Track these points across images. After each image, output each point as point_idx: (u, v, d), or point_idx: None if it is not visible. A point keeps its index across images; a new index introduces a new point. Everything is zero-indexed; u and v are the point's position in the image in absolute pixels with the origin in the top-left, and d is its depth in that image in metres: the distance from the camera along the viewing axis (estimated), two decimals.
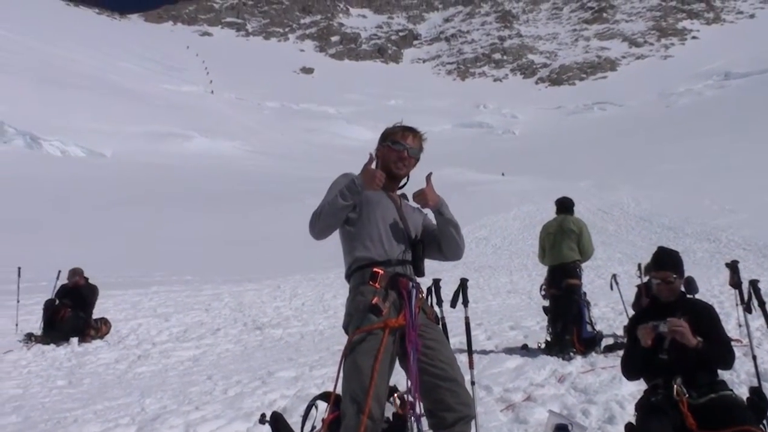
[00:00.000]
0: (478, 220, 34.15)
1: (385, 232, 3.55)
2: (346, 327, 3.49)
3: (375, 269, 3.45)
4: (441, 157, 78.44)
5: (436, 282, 4.39)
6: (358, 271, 3.51)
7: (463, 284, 4.52)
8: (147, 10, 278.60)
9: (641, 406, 3.94)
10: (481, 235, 31.28)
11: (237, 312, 13.22)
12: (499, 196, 43.69)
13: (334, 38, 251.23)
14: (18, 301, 11.30)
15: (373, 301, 3.34)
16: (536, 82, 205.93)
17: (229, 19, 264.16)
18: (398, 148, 3.64)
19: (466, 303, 4.52)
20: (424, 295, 3.73)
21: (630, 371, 4.17)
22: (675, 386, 3.80)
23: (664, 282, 4.06)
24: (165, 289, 16.47)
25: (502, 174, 62.53)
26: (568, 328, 8.01)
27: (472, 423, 3.42)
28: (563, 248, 8.40)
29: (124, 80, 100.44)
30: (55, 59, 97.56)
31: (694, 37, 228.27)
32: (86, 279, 10.89)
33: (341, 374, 3.34)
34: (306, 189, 43.65)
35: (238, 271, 20.67)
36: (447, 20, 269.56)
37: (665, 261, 4.13)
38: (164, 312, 13.06)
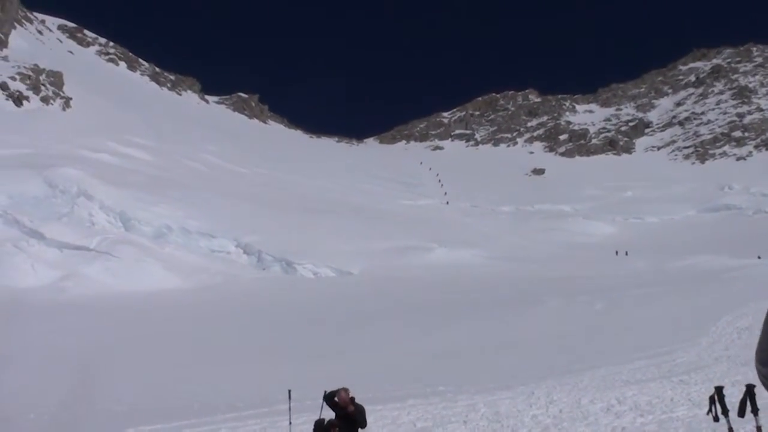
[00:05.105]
0: (738, 308, 31.66)
1: None
2: None
3: None
4: (688, 244, 74.52)
5: (719, 390, 4.07)
6: None
7: (750, 391, 4.13)
8: (381, 133, 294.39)
9: None
10: (743, 324, 28.79)
11: (495, 422, 13.17)
12: (758, 280, 40.37)
13: (563, 137, 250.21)
14: (290, 423, 12.02)
15: None
16: None
17: (458, 132, 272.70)
18: None
19: (755, 411, 4.18)
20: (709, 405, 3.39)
21: None
22: None
23: None
24: (421, 401, 16.80)
25: (758, 257, 57.95)
26: None
27: None
28: None
29: (365, 201, 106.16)
30: (304, 188, 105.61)
31: None
32: (353, 398, 11.28)
33: None
34: (549, 290, 43.07)
35: (490, 378, 20.62)
36: (678, 104, 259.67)
37: None
38: (423, 426, 13.32)
